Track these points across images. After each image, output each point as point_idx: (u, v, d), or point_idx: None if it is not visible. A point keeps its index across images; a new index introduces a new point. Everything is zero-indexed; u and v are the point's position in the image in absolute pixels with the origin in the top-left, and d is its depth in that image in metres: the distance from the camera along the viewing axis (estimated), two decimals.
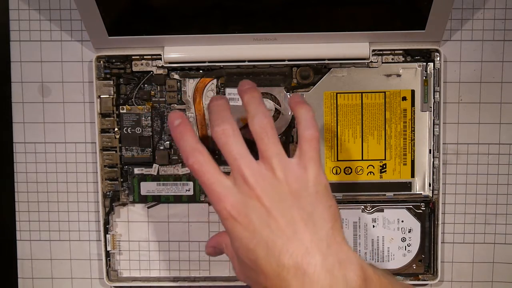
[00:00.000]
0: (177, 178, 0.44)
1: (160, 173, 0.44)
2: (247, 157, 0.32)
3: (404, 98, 0.43)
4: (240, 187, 0.32)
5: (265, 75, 0.43)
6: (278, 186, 0.32)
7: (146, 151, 0.44)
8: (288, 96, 0.42)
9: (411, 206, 0.44)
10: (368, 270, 0.31)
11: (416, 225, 0.43)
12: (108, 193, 0.44)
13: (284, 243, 0.30)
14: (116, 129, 0.44)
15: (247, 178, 0.31)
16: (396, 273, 0.44)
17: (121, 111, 0.44)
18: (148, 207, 0.45)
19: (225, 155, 0.32)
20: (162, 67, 0.43)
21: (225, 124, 0.33)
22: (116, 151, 0.44)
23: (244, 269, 0.32)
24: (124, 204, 0.45)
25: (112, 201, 0.44)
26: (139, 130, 0.44)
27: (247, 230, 0.31)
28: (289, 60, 0.42)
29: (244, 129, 0.43)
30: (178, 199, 0.44)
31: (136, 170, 0.44)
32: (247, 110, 0.34)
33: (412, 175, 0.43)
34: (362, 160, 0.42)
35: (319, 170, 0.33)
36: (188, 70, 0.43)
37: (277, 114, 0.43)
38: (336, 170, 0.43)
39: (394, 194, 0.44)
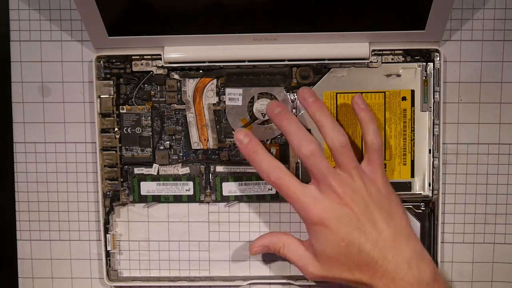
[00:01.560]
0: (177, 178, 0.44)
1: (160, 173, 0.44)
2: (332, 170, 0.37)
3: (404, 98, 0.43)
4: (328, 196, 0.37)
5: (265, 75, 0.43)
6: (360, 192, 0.37)
7: (146, 151, 0.44)
8: (355, 98, 0.40)
9: (411, 206, 0.44)
10: (436, 268, 0.37)
11: (416, 225, 0.43)
12: (108, 193, 0.44)
13: (372, 241, 0.36)
14: (116, 129, 0.44)
15: (336, 189, 0.36)
16: None
17: (121, 111, 0.44)
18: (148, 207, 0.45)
19: (314, 172, 0.37)
20: (162, 67, 0.43)
21: (311, 145, 0.37)
22: (116, 151, 0.44)
23: (326, 266, 0.37)
24: (124, 204, 0.45)
25: (112, 201, 0.44)
26: (139, 130, 0.44)
27: (337, 233, 0.36)
28: (289, 60, 0.42)
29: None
30: (178, 199, 0.44)
31: (136, 170, 0.44)
32: (322, 125, 0.38)
33: (412, 175, 0.43)
34: (362, 160, 0.42)
35: (384, 173, 0.39)
36: (188, 70, 0.43)
37: None
38: None
39: None
